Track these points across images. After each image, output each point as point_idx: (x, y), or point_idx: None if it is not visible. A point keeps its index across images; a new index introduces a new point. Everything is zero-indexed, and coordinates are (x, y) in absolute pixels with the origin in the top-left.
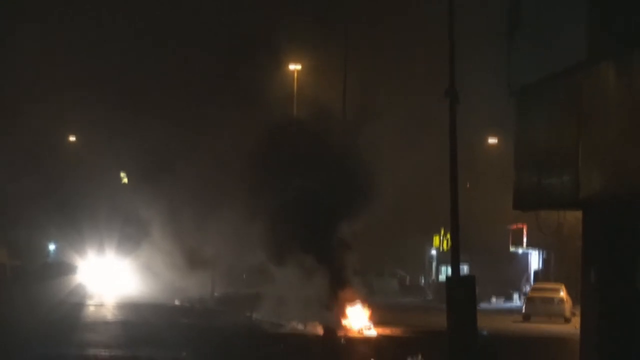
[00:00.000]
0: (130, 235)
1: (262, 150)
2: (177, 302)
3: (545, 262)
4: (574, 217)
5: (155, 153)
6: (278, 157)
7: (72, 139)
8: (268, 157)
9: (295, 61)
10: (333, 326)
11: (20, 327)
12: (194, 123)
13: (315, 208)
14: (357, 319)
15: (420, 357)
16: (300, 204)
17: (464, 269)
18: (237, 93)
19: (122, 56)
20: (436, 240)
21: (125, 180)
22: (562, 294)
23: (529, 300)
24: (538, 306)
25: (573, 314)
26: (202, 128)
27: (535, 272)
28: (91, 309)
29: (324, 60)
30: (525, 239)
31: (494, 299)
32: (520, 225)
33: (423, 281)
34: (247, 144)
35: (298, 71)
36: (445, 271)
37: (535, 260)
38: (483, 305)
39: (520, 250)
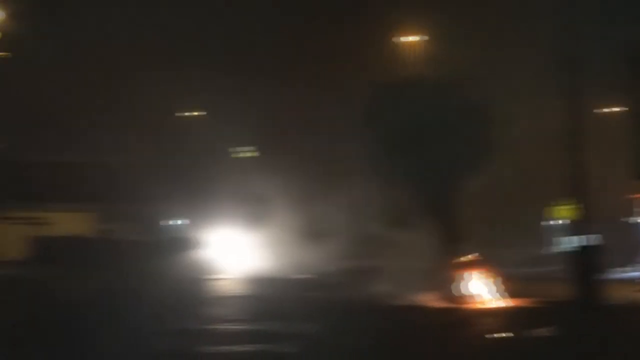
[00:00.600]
0: (254, 209)
1: (379, 111)
2: (301, 276)
3: None
4: None
5: (276, 124)
6: (395, 116)
7: (196, 113)
8: (385, 118)
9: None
10: (459, 297)
11: (147, 302)
12: (312, 93)
13: (436, 172)
14: (483, 290)
15: (549, 327)
16: (419, 168)
17: (590, 239)
18: (350, 59)
19: (237, 25)
20: (559, 209)
21: (249, 154)
22: None
23: None
24: None
25: None
26: (319, 97)
27: None
28: (216, 283)
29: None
30: None
31: (616, 269)
32: None
33: (548, 251)
34: (364, 108)
35: (415, 41)
36: (570, 241)
37: None
38: (607, 275)
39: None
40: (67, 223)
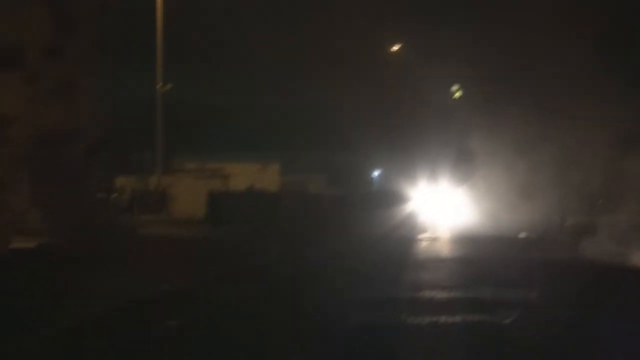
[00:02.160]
0: (465, 159)
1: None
2: (522, 235)
3: None
4: None
5: (491, 65)
6: None
7: (395, 47)
8: None
9: None
10: None
11: (343, 265)
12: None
13: None
14: None
15: None
16: None
17: None
18: None
19: None
20: None
21: (458, 94)
22: None
23: None
24: None
25: None
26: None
27: None
28: (423, 243)
29: None
30: None
31: None
32: None
33: None
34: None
35: None
36: None
37: None
38: None
39: None
40: (249, 176)
